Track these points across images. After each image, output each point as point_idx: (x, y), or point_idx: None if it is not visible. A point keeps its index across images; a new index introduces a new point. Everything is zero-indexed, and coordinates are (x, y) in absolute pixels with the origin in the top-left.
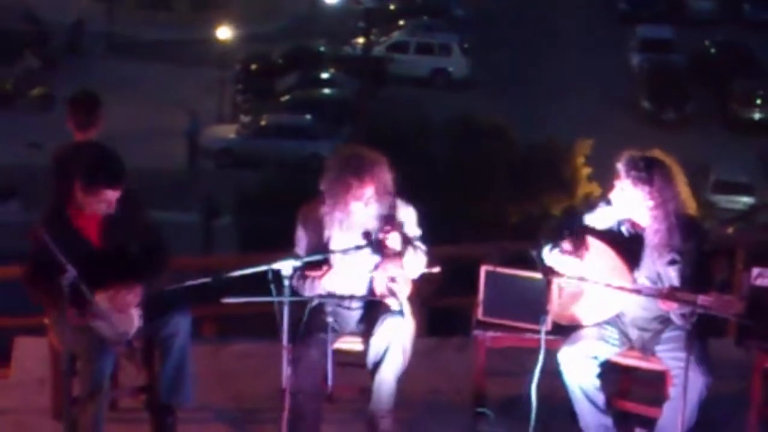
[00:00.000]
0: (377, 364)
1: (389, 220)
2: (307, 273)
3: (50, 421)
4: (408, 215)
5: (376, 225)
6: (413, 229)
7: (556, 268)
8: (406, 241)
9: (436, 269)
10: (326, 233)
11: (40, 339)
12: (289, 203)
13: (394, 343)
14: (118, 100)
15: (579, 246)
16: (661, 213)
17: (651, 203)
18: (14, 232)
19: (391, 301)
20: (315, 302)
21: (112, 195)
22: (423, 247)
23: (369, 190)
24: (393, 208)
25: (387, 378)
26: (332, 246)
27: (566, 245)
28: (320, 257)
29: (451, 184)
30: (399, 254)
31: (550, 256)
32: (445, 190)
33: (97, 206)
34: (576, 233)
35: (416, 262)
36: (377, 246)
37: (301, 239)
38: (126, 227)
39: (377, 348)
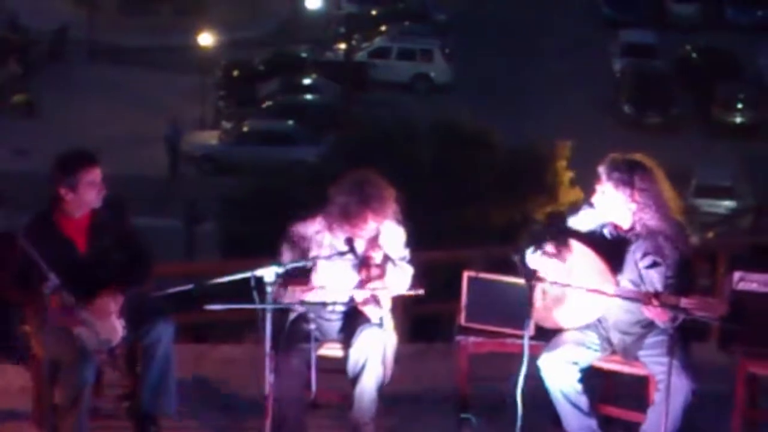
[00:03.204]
0: (357, 375)
1: (376, 239)
2: (291, 287)
3: (32, 429)
4: (397, 235)
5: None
6: (400, 249)
7: (539, 270)
8: (387, 258)
9: (420, 291)
10: (315, 252)
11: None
12: (271, 209)
13: (372, 354)
14: (101, 106)
15: (561, 249)
16: (644, 215)
17: (633, 206)
18: None
19: (371, 311)
20: (297, 312)
21: (96, 174)
22: (409, 267)
23: (378, 226)
24: (378, 229)
25: (367, 388)
26: (318, 265)
27: (549, 248)
28: (304, 263)
29: (434, 189)
30: (381, 271)
31: (533, 258)
32: (429, 194)
33: (90, 194)
34: (559, 236)
35: (399, 281)
36: (362, 261)
37: (288, 257)
38: (111, 233)
39: (355, 359)
